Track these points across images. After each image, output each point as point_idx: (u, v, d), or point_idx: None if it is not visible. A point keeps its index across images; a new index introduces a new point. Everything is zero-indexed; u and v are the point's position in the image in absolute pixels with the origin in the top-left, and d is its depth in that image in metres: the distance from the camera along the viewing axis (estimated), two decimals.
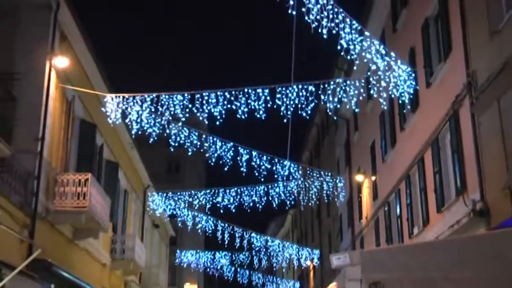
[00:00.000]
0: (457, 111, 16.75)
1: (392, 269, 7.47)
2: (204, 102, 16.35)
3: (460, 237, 14.11)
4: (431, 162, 19.12)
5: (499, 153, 14.22)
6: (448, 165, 17.91)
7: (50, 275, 17.83)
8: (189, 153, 20.00)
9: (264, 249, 31.47)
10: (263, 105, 16.24)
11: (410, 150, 21.03)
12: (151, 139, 18.02)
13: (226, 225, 28.07)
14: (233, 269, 36.00)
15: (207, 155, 19.70)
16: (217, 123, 16.65)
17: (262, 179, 20.79)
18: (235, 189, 24.15)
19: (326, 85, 16.63)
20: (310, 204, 27.74)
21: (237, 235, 28.56)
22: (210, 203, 25.16)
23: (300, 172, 23.06)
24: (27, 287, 15.92)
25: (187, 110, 16.66)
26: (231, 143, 19.58)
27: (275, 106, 16.27)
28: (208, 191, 25.63)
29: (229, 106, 16.31)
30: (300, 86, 16.28)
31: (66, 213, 19.23)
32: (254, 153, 19.83)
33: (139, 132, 17.81)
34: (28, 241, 16.45)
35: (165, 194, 27.97)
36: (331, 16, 13.98)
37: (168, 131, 18.21)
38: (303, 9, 13.55)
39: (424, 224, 19.71)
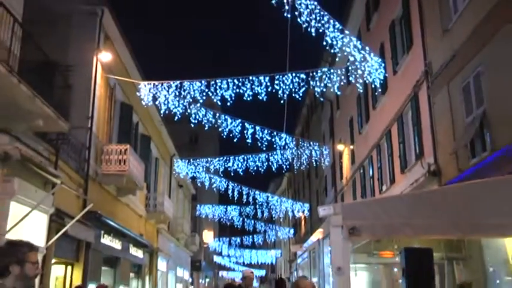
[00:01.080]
0: (416, 93, 16.83)
1: (366, 216, 7.50)
2: (217, 87, 16.41)
3: (418, 191, 14.35)
4: (396, 134, 19.19)
5: (448, 127, 14.39)
6: (410, 136, 17.95)
7: (100, 223, 18.17)
8: (206, 128, 20.11)
9: (265, 203, 31.43)
10: (264, 89, 16.31)
11: (380, 124, 21.02)
12: (176, 117, 18.14)
13: (235, 184, 28.12)
14: (241, 219, 36.06)
15: (220, 129, 19.73)
16: (228, 104, 16.76)
17: (264, 148, 20.84)
18: (243, 156, 24.19)
19: (314, 73, 16.69)
20: (301, 168, 27.78)
21: (244, 192, 28.57)
22: (223, 167, 25.15)
23: (294, 143, 23.10)
24: (83, 232, 16.21)
25: (204, 94, 16.73)
26: (239, 120, 19.60)
27: (274, 90, 16.35)
28: (221, 158, 25.66)
29: (237, 90, 16.36)
30: (294, 74, 16.36)
31: (110, 176, 19.49)
32: (257, 128, 19.83)
33: (167, 112, 17.94)
34: (83, 197, 16.71)
35: (187, 161, 28.02)
36: (318, 18, 14.11)
37: (189, 110, 18.29)
38: (296, 13, 13.68)
39: (391, 183, 19.84)
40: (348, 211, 7.48)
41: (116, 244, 21.28)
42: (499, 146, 11.45)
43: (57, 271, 16.35)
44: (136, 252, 24.98)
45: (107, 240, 19.92)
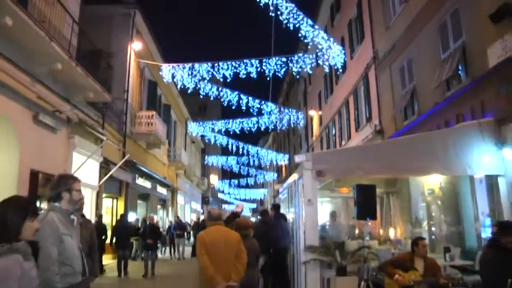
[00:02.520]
0: (367, 73, 16.95)
1: (329, 162, 7.69)
2: (220, 68, 16.38)
3: (367, 144, 14.68)
4: (352, 103, 19.30)
5: (389, 97, 14.58)
6: (362, 104, 18.07)
7: (135, 169, 18.53)
8: (211, 99, 20.20)
9: (256, 155, 31.53)
10: (255, 69, 16.28)
11: (341, 96, 21.09)
12: (189, 91, 18.21)
13: (234, 140, 28.19)
14: (238, 166, 36.15)
15: (222, 100, 19.71)
16: (228, 80, 16.78)
17: (255, 113, 20.88)
18: (239, 120, 24.24)
19: (292, 57, 16.71)
20: (283, 128, 27.95)
21: (240, 146, 28.64)
22: (224, 128, 25.18)
23: (277, 109, 23.15)
24: (123, 175, 16.58)
25: (210, 73, 16.71)
26: (236, 92, 19.52)
27: (262, 70, 16.32)
28: (223, 121, 25.63)
29: (235, 70, 16.34)
30: (277, 58, 16.39)
31: (141, 134, 19.75)
32: (250, 98, 19.88)
33: (182, 87, 17.96)
34: (122, 150, 17.05)
35: (197, 124, 28.05)
36: (294, 16, 14.14)
37: (198, 85, 18.31)
38: (278, 12, 13.71)
39: (348, 138, 20.05)
40: (316, 158, 7.76)
41: (147, 184, 21.71)
42: (423, 111, 11.72)
43: (107, 203, 16.84)
44: (162, 190, 25.42)
45: (140, 181, 20.33)
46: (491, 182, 8.64)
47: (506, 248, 4.82)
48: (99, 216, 14.16)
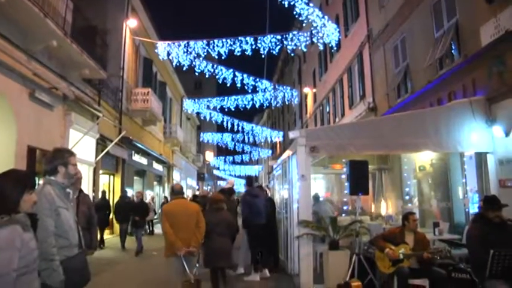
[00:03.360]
0: (361, 51, 16.92)
1: (323, 139, 7.74)
2: (215, 45, 16.27)
3: (360, 121, 14.71)
4: (346, 80, 19.31)
5: (383, 75, 14.60)
6: (356, 82, 18.09)
7: (131, 145, 18.49)
8: (207, 76, 20.03)
9: (251, 131, 31.51)
10: (250, 47, 16.17)
11: (335, 74, 21.05)
12: (184, 68, 18.09)
13: (229, 117, 28.11)
14: (233, 143, 36.12)
15: (217, 77, 19.61)
16: (223, 58, 16.67)
17: (249, 91, 20.81)
18: (234, 97, 24.14)
19: (287, 35, 16.60)
20: (277, 105, 27.97)
21: (235, 123, 28.57)
22: (219, 105, 25.08)
23: (272, 87, 23.05)
24: (119, 152, 16.56)
25: (205, 50, 16.59)
26: (231, 70, 19.43)
27: (257, 48, 16.21)
28: (218, 98, 25.53)
29: (229, 48, 16.22)
30: (272, 36, 16.28)
31: (137, 111, 19.63)
32: (244, 76, 19.78)
33: (177, 64, 17.83)
34: (118, 126, 16.99)
35: (193, 101, 27.93)
36: None
37: (194, 62, 18.18)
38: None
39: (341, 116, 20.08)
40: (310, 134, 7.81)
41: (143, 160, 21.75)
42: (416, 89, 11.77)
43: (103, 179, 16.88)
44: (158, 167, 25.50)
45: (136, 157, 20.36)
46: (480, 159, 8.76)
47: (492, 221, 4.93)
48: (103, 192, 15.01)
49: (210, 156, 49.56)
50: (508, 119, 7.79)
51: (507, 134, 7.81)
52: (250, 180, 9.64)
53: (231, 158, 46.24)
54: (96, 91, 15.10)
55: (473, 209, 8.83)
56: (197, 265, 6.27)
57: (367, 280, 6.92)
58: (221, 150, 50.04)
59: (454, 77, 9.64)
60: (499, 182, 8.08)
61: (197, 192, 28.54)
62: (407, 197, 11.54)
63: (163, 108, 24.63)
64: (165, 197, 24.78)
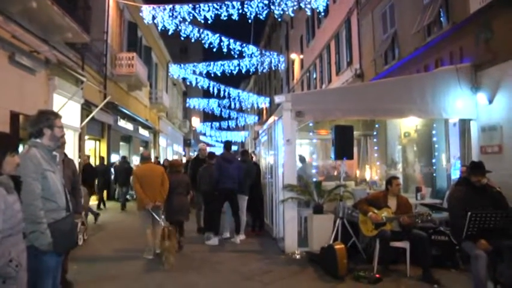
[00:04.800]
0: (349, 17, 16.76)
1: (308, 103, 7.77)
2: (201, 9, 15.96)
3: (346, 86, 14.73)
4: (334, 47, 19.20)
5: (370, 42, 14.57)
6: (343, 49, 17.98)
7: (117, 110, 18.30)
8: (193, 41, 19.75)
9: (237, 97, 31.32)
10: (236, 11, 15.89)
11: (322, 40, 20.90)
12: (170, 32, 17.76)
13: (215, 83, 27.82)
14: (219, 108, 35.96)
15: (203, 42, 19.34)
16: (209, 22, 16.38)
17: (236, 56, 20.61)
18: (220, 62, 23.88)
19: (274, 0, 16.35)
20: (264, 71, 27.76)
21: (221, 89, 28.37)
22: (205, 70, 24.81)
23: (258, 52, 22.81)
24: (105, 117, 16.36)
25: (191, 14, 16.25)
26: (217, 35, 19.17)
27: (243, 12, 15.94)
28: (204, 63, 25.22)
29: (216, 12, 15.95)
30: (259, 0, 16.02)
31: (122, 76, 19.29)
32: (231, 41, 19.54)
33: (163, 28, 17.50)
34: (103, 91, 16.73)
35: (179, 66, 27.54)
36: None
37: (180, 27, 17.85)
38: None
39: (328, 82, 20.06)
40: (295, 99, 7.81)
41: (129, 126, 21.59)
42: (403, 55, 11.79)
43: (89, 144, 16.80)
44: (144, 132, 25.36)
45: (122, 123, 20.18)
46: (464, 126, 8.91)
47: (475, 185, 5.07)
48: (101, 158, 16.12)
49: (196, 122, 49.37)
50: (492, 86, 7.92)
51: (490, 102, 7.97)
52: (227, 144, 9.61)
53: (217, 124, 46.16)
54: (79, 55, 14.77)
55: (455, 175, 9.04)
56: (162, 217, 7.49)
57: (350, 243, 7.09)
58: (207, 116, 49.81)
59: (442, 44, 9.68)
60: (480, 148, 8.28)
61: (183, 159, 28.52)
62: (391, 163, 11.71)
63: (149, 74, 24.25)
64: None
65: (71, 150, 13.13)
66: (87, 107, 14.81)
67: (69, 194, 3.75)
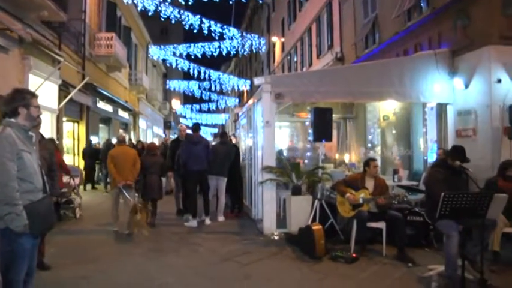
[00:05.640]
0: (331, 1, 16.73)
1: (288, 85, 7.75)
2: None
3: (325, 68, 14.73)
4: (315, 30, 19.18)
5: (351, 26, 14.59)
6: (324, 32, 17.95)
7: (96, 92, 18.02)
8: (173, 22, 19.54)
9: (218, 80, 31.07)
10: None
11: (304, 23, 20.80)
12: (150, 13, 17.53)
13: (196, 65, 27.54)
14: (200, 91, 35.63)
15: (183, 23, 19.13)
16: (190, 3, 16.21)
17: (217, 38, 20.45)
18: (201, 44, 23.68)
19: None
20: (245, 54, 27.61)
21: (202, 71, 28.09)
22: (186, 52, 24.56)
23: (239, 34, 22.64)
24: (83, 98, 16.12)
25: None
26: (198, 16, 19.00)
27: None
28: (185, 45, 24.95)
29: None
30: None
31: (101, 57, 18.99)
32: (212, 22, 19.37)
33: (143, 8, 17.24)
34: (81, 72, 16.40)
35: (159, 47, 27.16)
36: None
37: (160, 7, 17.61)
38: None
39: (309, 65, 20.07)
40: (275, 81, 7.79)
41: (108, 108, 21.30)
42: (384, 40, 11.87)
43: (68, 126, 16.57)
44: (124, 114, 25.05)
45: (101, 104, 19.90)
46: (441, 110, 9.07)
47: (453, 167, 5.22)
48: (89, 141, 16.65)
49: (176, 104, 48.86)
50: (469, 71, 8.09)
51: (467, 86, 8.14)
52: (194, 126, 9.56)
53: (197, 107, 45.81)
54: (56, 35, 14.43)
55: (432, 157, 9.22)
56: (136, 195, 8.10)
57: (328, 224, 7.19)
58: (188, 99, 49.43)
59: (421, 29, 9.80)
60: (456, 132, 8.45)
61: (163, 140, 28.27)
62: (370, 145, 11.85)
63: (128, 55, 23.89)
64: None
65: (48, 132, 12.92)
66: (65, 88, 14.53)
67: (46, 175, 3.69)
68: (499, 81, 7.59)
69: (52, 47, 13.36)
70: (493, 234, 5.57)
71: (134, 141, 19.80)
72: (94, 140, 17.91)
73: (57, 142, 13.34)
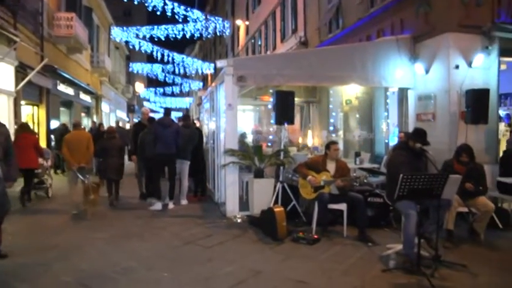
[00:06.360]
0: None
1: (251, 68, 7.69)
2: None
3: (288, 51, 14.71)
4: (279, 14, 19.16)
5: (316, 11, 14.62)
6: (289, 16, 17.91)
7: (56, 74, 17.36)
8: (136, 3, 19.05)
9: (182, 63, 30.59)
10: None
11: (268, 7, 20.75)
12: None
13: (159, 48, 26.98)
14: (163, 74, 35.04)
15: (146, 4, 18.66)
16: None
17: (180, 20, 20.08)
18: (164, 26, 23.18)
19: None
20: (209, 36, 27.25)
21: (165, 54, 27.57)
22: (149, 34, 24.04)
23: (203, 17, 22.30)
24: (43, 81, 15.54)
25: None
26: None
27: None
28: (147, 27, 24.39)
29: None
30: None
31: (61, 37, 18.21)
32: (176, 4, 19.00)
33: None
34: (40, 53, 15.71)
35: (121, 29, 26.42)
36: None
37: None
38: None
39: (273, 49, 20.07)
40: (237, 64, 7.69)
41: (69, 91, 20.62)
42: (347, 25, 11.93)
43: (26, 110, 15.93)
44: (86, 98, 24.34)
45: (62, 87, 19.25)
46: (402, 94, 9.25)
47: (414, 150, 5.34)
48: (62, 124, 15.98)
49: (140, 87, 47.91)
50: (429, 57, 8.28)
51: (427, 72, 8.35)
52: (166, 110, 9.40)
53: (161, 90, 45.10)
54: (10, 13, 13.74)
55: (393, 141, 9.40)
56: (87, 176, 8.27)
57: (290, 206, 7.24)
58: (151, 82, 48.50)
59: (384, 15, 9.91)
60: (416, 116, 8.64)
61: (127, 125, 27.77)
62: (333, 129, 11.99)
63: (90, 36, 23.10)
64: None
65: (5, 115, 12.40)
66: (22, 70, 13.91)
67: (1, 160, 3.52)
68: (457, 67, 7.84)
69: (6, 26, 12.74)
70: (448, 214, 5.76)
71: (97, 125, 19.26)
72: (55, 124, 17.32)
73: (15, 126, 12.86)
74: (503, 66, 8.42)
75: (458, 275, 4.73)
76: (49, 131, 15.69)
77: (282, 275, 4.76)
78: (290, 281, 4.57)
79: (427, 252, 5.20)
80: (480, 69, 7.92)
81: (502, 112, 9.70)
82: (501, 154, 8.06)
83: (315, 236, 6.13)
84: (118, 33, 26.25)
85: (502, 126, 9.75)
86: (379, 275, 4.77)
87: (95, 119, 25.86)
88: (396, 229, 6.58)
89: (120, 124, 24.77)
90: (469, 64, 7.89)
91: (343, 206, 6.40)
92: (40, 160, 9.33)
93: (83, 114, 24.38)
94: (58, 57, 18.30)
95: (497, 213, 6.53)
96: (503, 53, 7.90)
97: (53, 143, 15.85)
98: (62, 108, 20.17)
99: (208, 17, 24.03)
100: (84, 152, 8.27)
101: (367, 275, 4.76)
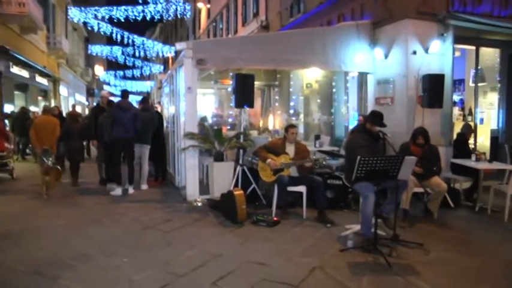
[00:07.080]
0: None
1: (210, 51, 7.54)
2: None
3: (248, 35, 14.63)
4: None
5: None
6: (250, 0, 17.78)
7: (8, 55, 16.55)
8: None
9: (142, 46, 29.94)
10: None
11: None
12: None
13: (119, 30, 26.26)
14: (124, 57, 34.25)
15: None
16: None
17: (140, 1, 19.61)
18: (124, 7, 22.58)
19: None
20: (170, 19, 26.71)
21: (125, 36, 26.88)
22: (108, 15, 23.38)
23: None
24: None
25: None
26: None
27: None
28: (106, 7, 23.70)
29: None
30: None
31: (13, 16, 17.25)
32: None
33: None
34: None
35: (79, 9, 25.53)
36: None
37: None
38: None
39: (234, 33, 19.93)
40: (197, 47, 7.54)
41: (24, 73, 19.71)
42: (308, 9, 11.94)
43: None
44: (42, 81, 23.38)
45: (15, 70, 18.37)
46: (362, 79, 9.36)
47: (371, 132, 5.42)
48: (22, 108, 15.94)
49: (99, 70, 46.56)
50: (388, 42, 8.43)
51: (386, 57, 8.51)
52: (124, 92, 9.11)
53: (121, 73, 44.08)
54: None
55: (353, 124, 9.54)
56: (50, 159, 8.56)
57: (250, 189, 7.21)
58: (111, 65, 47.31)
59: (344, 1, 10.00)
60: (375, 100, 8.77)
61: (86, 109, 26.97)
62: (293, 112, 12.03)
63: (45, 16, 22.11)
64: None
65: None
66: None
67: None
68: (415, 53, 8.02)
69: None
70: (404, 194, 5.88)
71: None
72: (9, 108, 16.56)
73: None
74: (457, 53, 8.69)
75: (414, 252, 4.84)
76: (3, 115, 14.91)
77: (242, 257, 4.73)
78: (250, 263, 4.55)
79: (383, 231, 5.30)
80: (436, 55, 8.12)
81: (456, 97, 9.98)
82: (455, 137, 8.29)
83: (275, 218, 6.14)
84: (76, 14, 25.35)
85: (456, 111, 10.04)
86: (338, 254, 4.82)
87: (52, 103, 24.97)
88: (355, 210, 6.66)
89: (77, 108, 24.04)
90: (426, 50, 8.09)
91: (302, 188, 6.43)
92: (6, 144, 10.19)
93: (39, 98, 23.44)
94: (10, 37, 17.48)
95: (450, 193, 6.73)
96: (457, 40, 8.11)
97: (7, 128, 15.20)
98: (16, 92, 19.31)
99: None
100: (49, 136, 8.84)
101: (326, 255, 4.80)
